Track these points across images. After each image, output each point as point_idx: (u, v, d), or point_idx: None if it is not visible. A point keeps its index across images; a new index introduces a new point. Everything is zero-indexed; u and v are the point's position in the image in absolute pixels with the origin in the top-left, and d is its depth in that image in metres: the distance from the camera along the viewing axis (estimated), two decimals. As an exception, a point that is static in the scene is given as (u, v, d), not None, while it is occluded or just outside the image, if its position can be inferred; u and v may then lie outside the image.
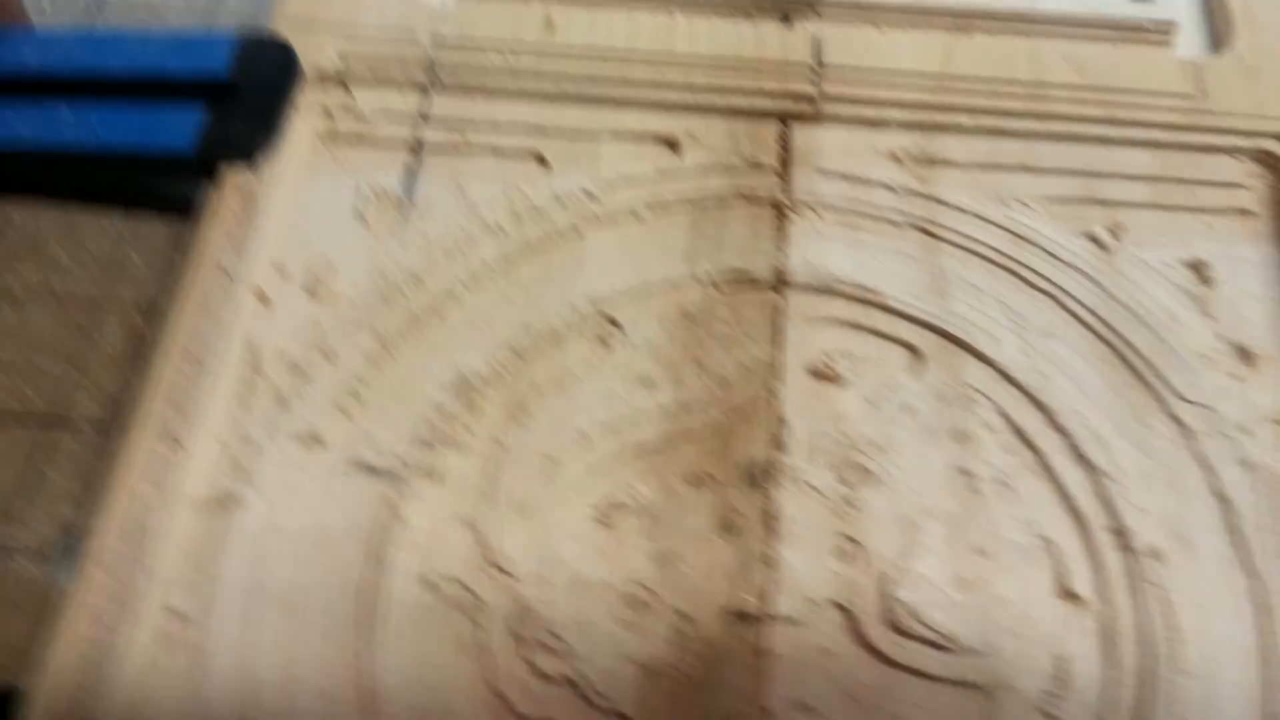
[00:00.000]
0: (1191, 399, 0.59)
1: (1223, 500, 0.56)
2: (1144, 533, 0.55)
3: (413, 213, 0.64)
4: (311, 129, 0.67)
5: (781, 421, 0.58)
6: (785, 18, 0.73)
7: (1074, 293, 0.62)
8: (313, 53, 0.67)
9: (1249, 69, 0.69)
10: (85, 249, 0.58)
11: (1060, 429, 0.58)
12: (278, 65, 0.65)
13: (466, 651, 0.51)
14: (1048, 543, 0.55)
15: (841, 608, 0.53)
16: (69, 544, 0.49)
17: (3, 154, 0.59)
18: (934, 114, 0.68)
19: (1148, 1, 0.74)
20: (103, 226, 0.59)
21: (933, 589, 0.54)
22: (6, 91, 0.63)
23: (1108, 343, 0.61)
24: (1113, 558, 0.55)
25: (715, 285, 0.62)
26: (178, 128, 0.62)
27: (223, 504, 0.54)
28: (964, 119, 0.68)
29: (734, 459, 0.57)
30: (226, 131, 0.63)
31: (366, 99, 0.68)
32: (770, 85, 0.69)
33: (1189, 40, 0.73)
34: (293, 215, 0.64)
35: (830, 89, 0.68)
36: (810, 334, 0.61)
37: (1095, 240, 0.65)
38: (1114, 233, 0.65)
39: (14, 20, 0.63)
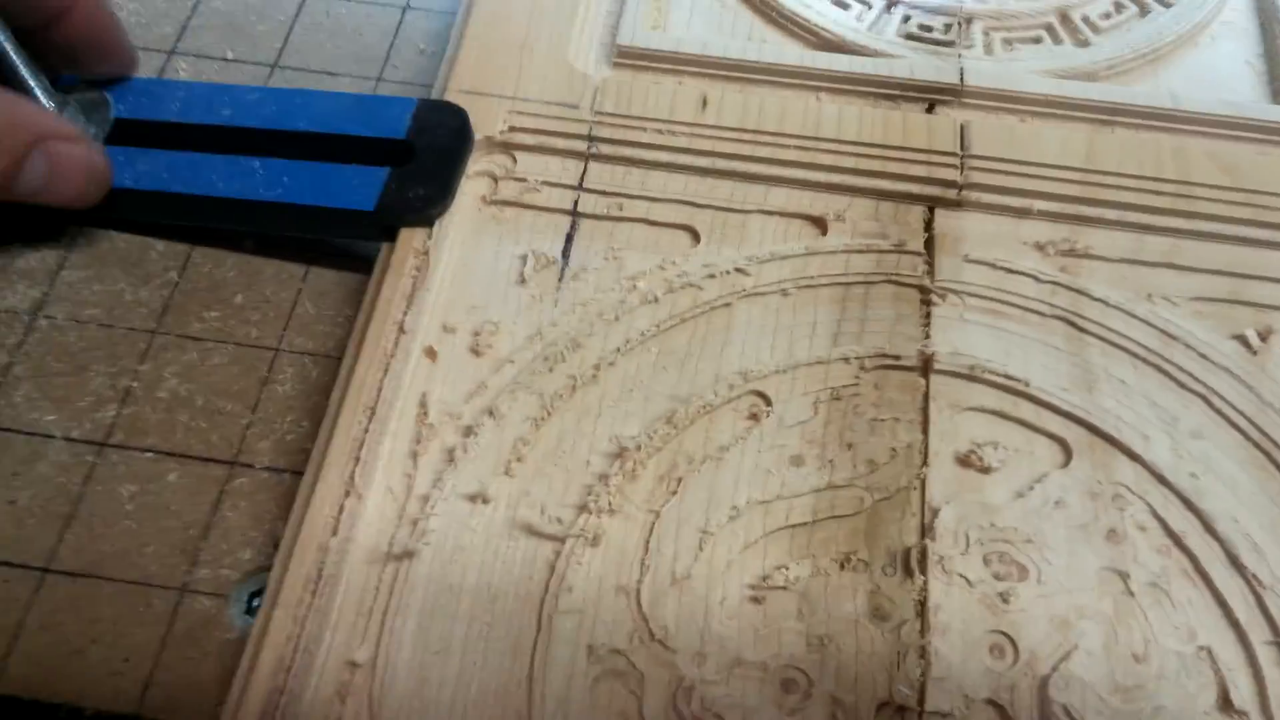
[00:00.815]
0: (1349, 512, 0.58)
1: (1384, 616, 0.55)
2: (1305, 649, 0.54)
3: (570, 278, 0.65)
4: (478, 193, 0.69)
5: (930, 508, 0.58)
6: (930, 106, 0.74)
7: (1224, 394, 0.62)
8: (481, 120, 0.69)
9: (1399, 177, 0.69)
10: (266, 298, 0.60)
11: (1215, 534, 0.58)
12: (453, 130, 0.67)
13: (628, 724, 0.52)
14: (1206, 653, 0.55)
15: (996, 705, 0.53)
16: (251, 588, 0.50)
17: (198, 201, 0.62)
18: (1079, 206, 0.69)
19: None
20: (283, 278, 0.61)
21: (1090, 693, 0.53)
22: (200, 145, 0.65)
23: (1260, 448, 0.61)
24: (1273, 672, 0.54)
25: (862, 366, 0.63)
26: (360, 187, 0.64)
27: (397, 557, 0.55)
28: (1109, 213, 0.68)
29: (883, 543, 0.58)
30: (405, 192, 0.65)
31: (529, 166, 0.70)
32: (917, 170, 0.70)
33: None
34: (459, 275, 0.65)
35: (975, 177, 0.69)
36: (957, 421, 0.62)
37: (1244, 342, 0.65)
38: (1263, 336, 0.65)
39: (119, 62, 0.65)
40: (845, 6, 0.80)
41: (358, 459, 0.56)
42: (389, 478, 0.57)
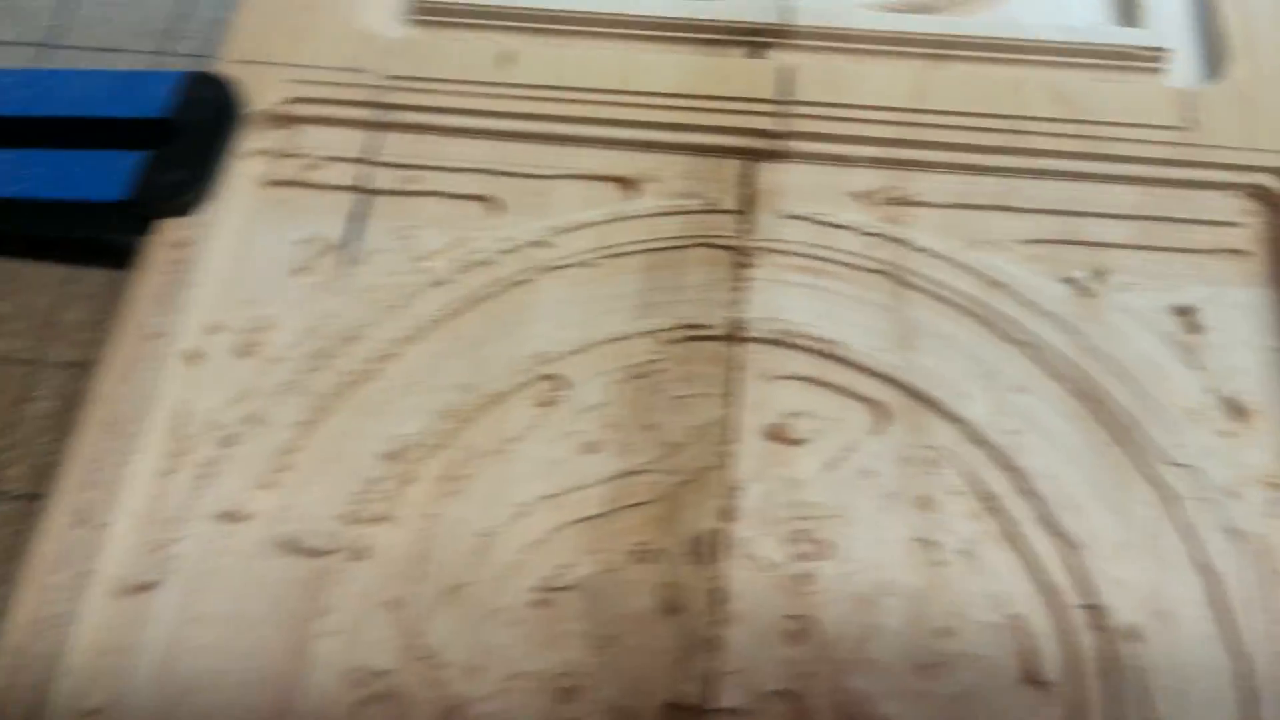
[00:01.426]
0: (1176, 460, 0.55)
1: (1207, 572, 0.52)
2: (1119, 609, 0.51)
3: (355, 263, 0.61)
4: (255, 175, 0.64)
5: (733, 489, 0.54)
6: (755, 49, 0.69)
7: (1051, 344, 0.58)
8: (258, 92, 0.64)
9: (1245, 98, 0.65)
10: (23, 306, 0.55)
11: (1031, 493, 0.54)
12: (217, 105, 0.62)
13: (386, 753, 0.48)
14: (1016, 620, 0.51)
15: (791, 697, 0.50)
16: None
17: None
18: (903, 150, 0.64)
19: (1139, 27, 0.68)
20: (44, 282, 0.56)
21: (890, 675, 0.50)
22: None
23: (1086, 398, 0.57)
24: (1085, 637, 0.51)
25: (668, 340, 0.58)
26: (108, 175, 0.59)
27: (138, 589, 0.51)
28: (938, 155, 0.64)
29: (682, 531, 0.54)
30: (160, 178, 0.59)
31: (313, 141, 0.65)
32: (732, 121, 0.65)
33: (1184, 68, 0.68)
34: (231, 268, 0.61)
35: (796, 125, 0.64)
36: (768, 392, 0.58)
37: (1076, 285, 0.60)
38: (1097, 276, 0.61)
39: None
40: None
41: (98, 485, 0.51)
42: (134, 501, 0.52)
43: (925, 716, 0.49)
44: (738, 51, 0.69)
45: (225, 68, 0.66)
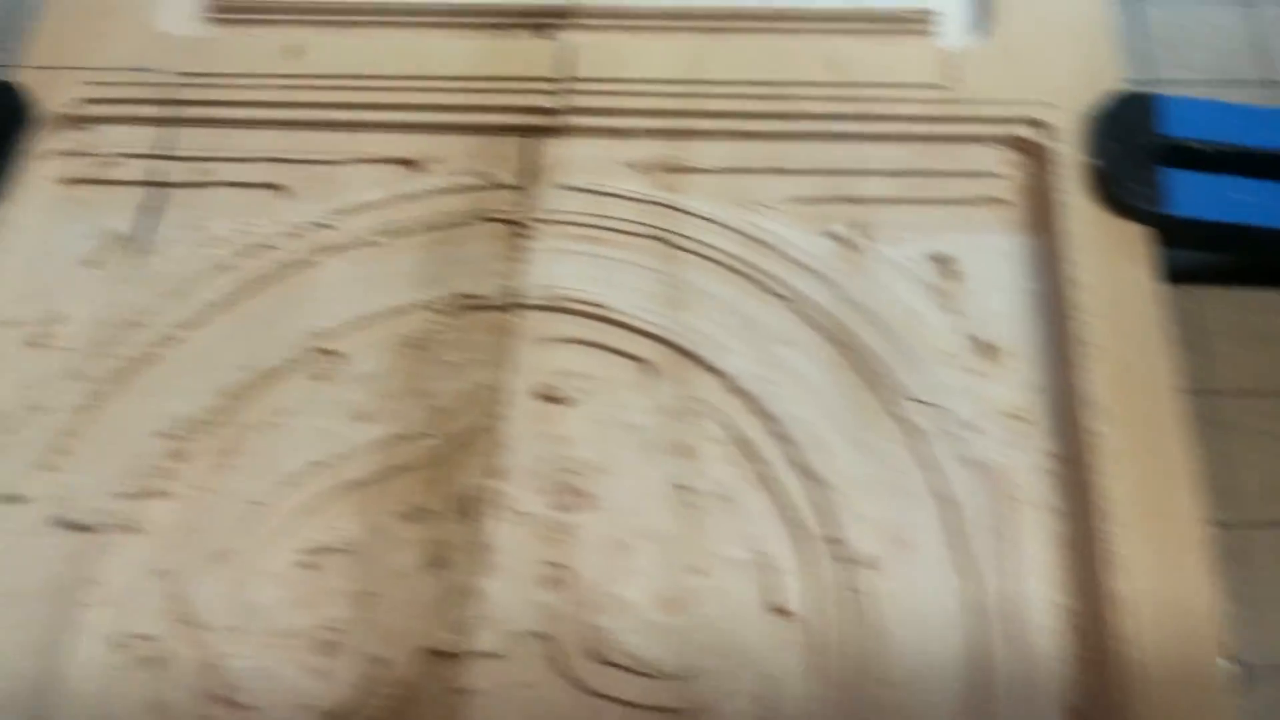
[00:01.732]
0: (921, 399, 0.57)
1: (945, 501, 0.55)
2: (859, 541, 0.54)
3: (149, 254, 0.63)
4: (49, 174, 0.66)
5: (501, 448, 0.56)
6: (544, 30, 0.71)
7: (810, 296, 0.61)
8: (50, 95, 0.66)
9: (1004, 54, 0.68)
10: None
11: (785, 438, 0.57)
12: (3, 109, 0.64)
13: (150, 713, 0.50)
14: (763, 557, 0.54)
15: (544, 638, 0.52)
16: None
17: None
18: (680, 121, 0.66)
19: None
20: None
21: (635, 613, 0.52)
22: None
23: (842, 346, 0.59)
24: (827, 568, 0.53)
25: (444, 310, 0.61)
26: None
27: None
28: (712, 124, 0.66)
29: (451, 491, 0.56)
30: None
31: (108, 140, 0.67)
32: (512, 100, 0.67)
33: (958, 29, 0.71)
34: (24, 266, 0.63)
35: (574, 101, 0.67)
36: (540, 355, 0.60)
37: (841, 240, 0.63)
38: (861, 231, 0.63)
39: None
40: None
41: None
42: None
43: (666, 646, 0.51)
44: (527, 34, 0.71)
45: (20, 74, 0.68)
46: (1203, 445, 0.58)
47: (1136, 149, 0.61)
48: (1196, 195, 0.60)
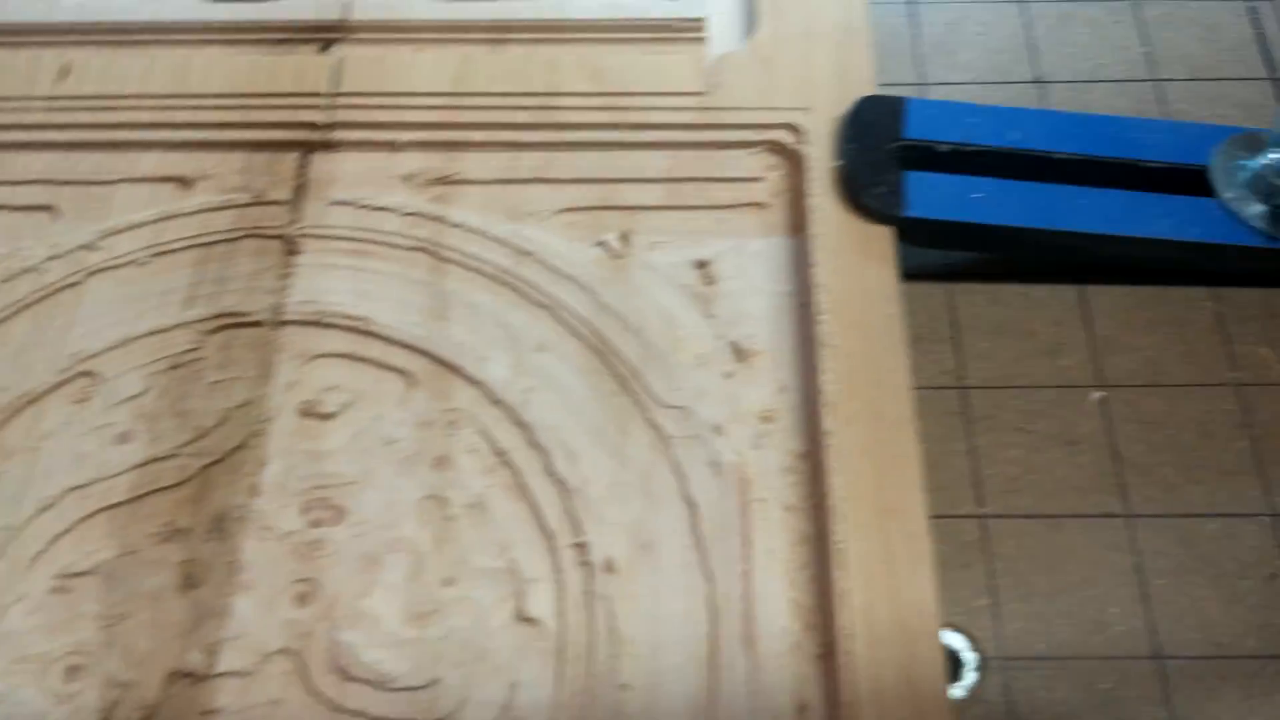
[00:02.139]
0: (671, 403, 0.59)
1: (690, 504, 0.56)
2: (604, 546, 0.55)
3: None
4: None
5: (261, 465, 0.57)
6: (319, 45, 0.71)
7: (570, 304, 0.62)
8: None
9: (764, 59, 0.70)
10: None
11: (538, 446, 0.58)
12: None
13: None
14: (514, 566, 0.55)
15: (291, 655, 0.53)
16: None
17: None
18: (448, 133, 0.67)
19: (679, -1, 0.72)
20: None
21: (379, 627, 0.53)
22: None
23: (600, 353, 0.61)
24: (573, 575, 0.55)
25: (208, 329, 0.61)
26: None
27: None
28: (480, 135, 0.67)
29: (208, 510, 0.57)
30: None
31: None
32: (282, 116, 0.67)
33: (721, 34, 0.73)
34: None
35: (345, 115, 0.67)
36: (303, 371, 0.61)
37: (606, 248, 0.64)
38: (625, 238, 0.65)
39: None
40: (245, -50, 0.76)
41: None
42: None
43: (413, 659, 0.53)
44: (304, 49, 0.71)
45: None
46: (956, 439, 0.60)
47: (880, 152, 0.64)
48: (935, 196, 0.63)
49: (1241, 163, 0.64)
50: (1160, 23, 0.78)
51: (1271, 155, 0.63)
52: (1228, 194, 0.63)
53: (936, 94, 0.75)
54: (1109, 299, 0.66)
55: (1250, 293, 0.66)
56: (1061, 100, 0.75)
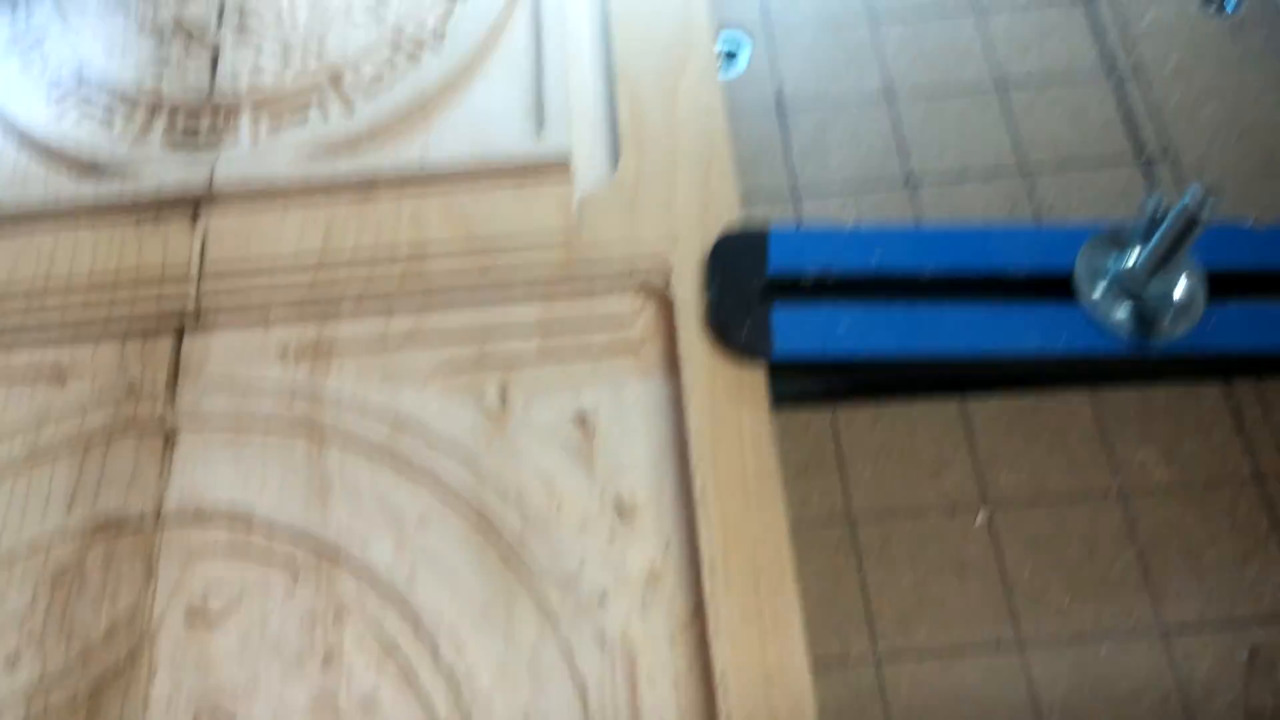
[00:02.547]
0: (556, 575, 0.59)
1: (578, 684, 0.57)
2: (493, 732, 0.55)
3: None
4: None
5: (149, 678, 0.57)
6: (186, 217, 0.71)
7: (449, 476, 0.62)
8: None
9: (629, 196, 0.70)
10: None
11: (424, 631, 0.58)
12: None
13: None
14: (405, 762, 0.55)
15: None
16: None
17: None
18: (317, 302, 0.67)
19: (551, 139, 0.72)
20: None
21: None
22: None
23: (483, 525, 0.61)
24: (466, 765, 0.55)
25: (90, 535, 0.61)
26: None
27: None
28: (351, 301, 0.67)
29: (98, 731, 0.56)
30: None
31: None
32: (155, 299, 0.67)
33: (594, 173, 0.73)
34: None
35: (215, 292, 0.67)
36: (188, 572, 0.60)
37: (485, 408, 0.64)
38: (503, 396, 0.65)
39: None
40: (109, 124, 0.75)
41: None
42: None
43: None
44: (172, 222, 0.71)
45: None
46: (847, 573, 0.61)
47: (745, 289, 0.64)
48: (802, 332, 0.63)
49: (1104, 264, 0.64)
50: (1026, 110, 0.79)
51: (1132, 254, 0.63)
52: (1092, 299, 0.63)
53: (809, 204, 0.75)
54: (989, 410, 0.66)
55: (1127, 393, 0.66)
56: (933, 199, 0.75)
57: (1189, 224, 0.58)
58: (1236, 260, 0.66)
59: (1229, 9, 0.82)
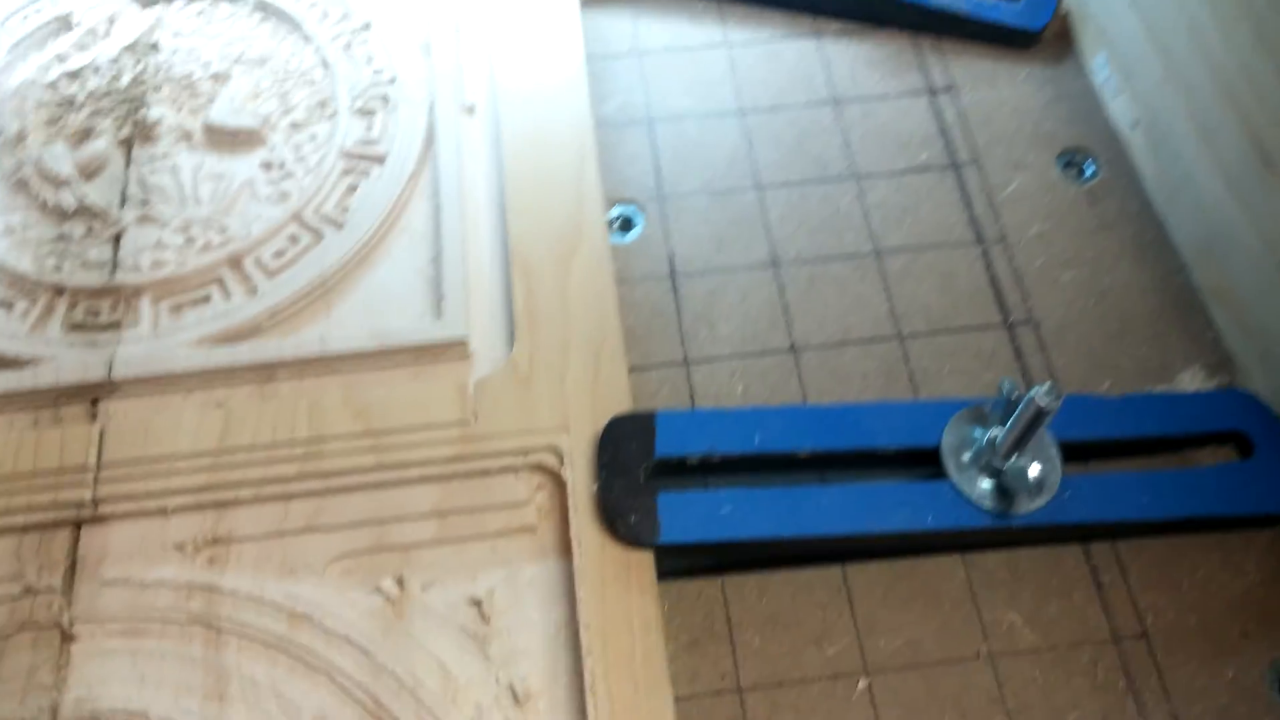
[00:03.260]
0: (453, 768, 0.60)
1: None
2: None
3: None
4: None
5: None
6: (85, 407, 0.72)
7: (346, 668, 0.63)
8: None
9: (523, 378, 0.72)
10: None
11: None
12: None
13: None
14: None
15: None
16: None
17: None
18: (216, 492, 0.68)
19: (449, 322, 0.75)
20: None
21: None
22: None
23: (379, 718, 0.62)
24: None
25: (-19, 746, 0.61)
26: None
27: None
28: (248, 491, 0.68)
29: None
30: None
31: None
32: (50, 495, 0.68)
33: (491, 355, 0.75)
34: None
35: (113, 486, 0.68)
36: (83, 780, 0.60)
37: (383, 595, 0.66)
38: (401, 582, 0.66)
39: None
40: (8, 306, 0.77)
41: None
42: None
43: None
44: (71, 412, 0.72)
45: None
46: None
47: (633, 473, 0.67)
48: (686, 517, 0.66)
49: (970, 436, 0.68)
50: (901, 275, 0.83)
51: (993, 430, 0.67)
52: (956, 475, 0.67)
53: (698, 370, 0.79)
54: (869, 576, 0.70)
55: (995, 555, 0.70)
56: (815, 365, 0.79)
57: (1037, 415, 0.62)
58: (1091, 431, 0.71)
59: (1086, 176, 0.88)
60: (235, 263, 0.79)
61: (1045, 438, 0.67)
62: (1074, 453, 0.70)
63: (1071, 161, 0.89)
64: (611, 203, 0.86)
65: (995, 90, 0.93)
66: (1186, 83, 0.79)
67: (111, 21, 0.88)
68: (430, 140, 0.83)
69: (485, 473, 0.70)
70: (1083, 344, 0.80)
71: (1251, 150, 0.71)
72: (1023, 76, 0.94)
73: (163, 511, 0.69)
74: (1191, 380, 0.77)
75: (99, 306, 0.77)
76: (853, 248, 0.85)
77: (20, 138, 0.83)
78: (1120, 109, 0.89)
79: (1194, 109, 0.78)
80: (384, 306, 0.77)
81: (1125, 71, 0.87)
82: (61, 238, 0.80)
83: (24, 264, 0.78)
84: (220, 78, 0.86)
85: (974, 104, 0.92)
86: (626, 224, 0.87)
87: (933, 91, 0.93)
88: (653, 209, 0.87)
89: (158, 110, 0.83)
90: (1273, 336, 0.73)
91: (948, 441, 0.69)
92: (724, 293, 0.84)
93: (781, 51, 0.96)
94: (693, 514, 0.66)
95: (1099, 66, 0.91)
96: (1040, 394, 0.61)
